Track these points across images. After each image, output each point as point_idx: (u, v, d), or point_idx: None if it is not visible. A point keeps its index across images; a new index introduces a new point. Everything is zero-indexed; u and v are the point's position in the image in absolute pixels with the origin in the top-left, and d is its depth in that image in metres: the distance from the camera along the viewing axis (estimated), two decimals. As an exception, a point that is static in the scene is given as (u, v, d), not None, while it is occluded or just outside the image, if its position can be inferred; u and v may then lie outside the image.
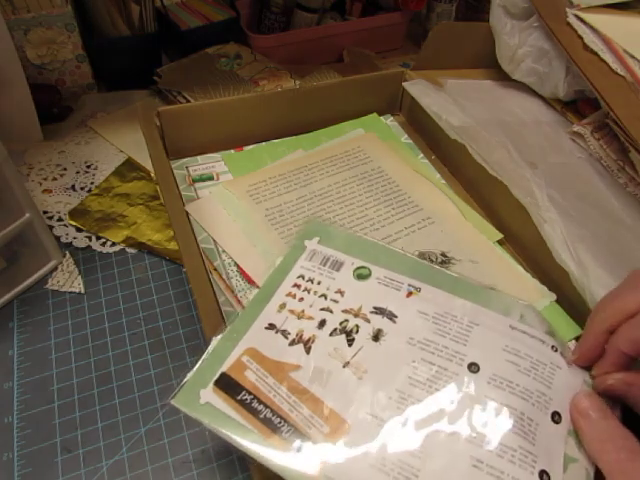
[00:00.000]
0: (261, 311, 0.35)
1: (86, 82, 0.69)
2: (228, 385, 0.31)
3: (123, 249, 0.52)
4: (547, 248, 0.41)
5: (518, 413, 0.29)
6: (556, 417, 0.29)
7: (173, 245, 0.51)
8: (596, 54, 0.53)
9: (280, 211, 0.47)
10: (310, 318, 0.34)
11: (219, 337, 0.33)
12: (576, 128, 0.55)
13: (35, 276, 0.48)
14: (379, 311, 0.34)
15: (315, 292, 0.35)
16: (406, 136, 0.57)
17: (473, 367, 0.31)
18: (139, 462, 0.38)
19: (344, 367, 0.31)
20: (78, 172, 0.59)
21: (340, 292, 0.35)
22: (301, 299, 0.35)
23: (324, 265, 0.37)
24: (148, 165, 0.59)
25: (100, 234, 0.53)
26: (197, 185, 0.50)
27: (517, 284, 0.43)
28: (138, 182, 0.58)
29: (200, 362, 0.32)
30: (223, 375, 0.31)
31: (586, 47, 0.54)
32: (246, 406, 0.30)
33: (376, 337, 0.33)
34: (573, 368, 0.31)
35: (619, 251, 0.43)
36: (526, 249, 0.46)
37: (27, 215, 0.45)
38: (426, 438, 0.28)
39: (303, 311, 0.34)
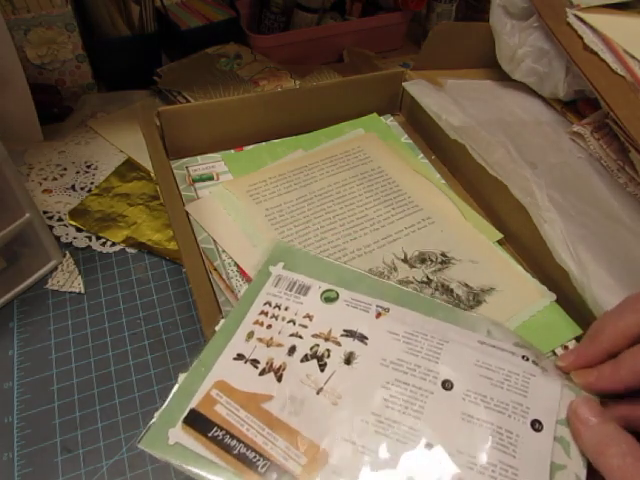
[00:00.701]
0: (228, 342, 0.33)
1: (86, 82, 0.69)
2: (198, 422, 0.29)
3: (123, 249, 0.52)
4: (547, 248, 0.41)
5: (495, 427, 0.28)
6: (537, 425, 0.29)
7: (173, 245, 0.51)
8: (596, 54, 0.53)
9: (280, 211, 0.47)
10: (279, 345, 0.33)
11: (186, 373, 0.32)
12: (576, 128, 0.55)
13: (35, 276, 0.48)
14: (349, 334, 0.33)
15: (283, 318, 0.34)
16: (406, 136, 0.57)
17: (447, 384, 0.30)
18: (139, 462, 0.38)
19: (318, 393, 0.30)
20: (78, 172, 0.59)
21: (309, 316, 0.34)
22: (269, 326, 0.34)
23: (290, 290, 0.36)
24: (148, 165, 0.59)
25: (100, 234, 0.53)
26: (197, 185, 0.50)
27: (517, 284, 0.43)
28: (138, 182, 0.58)
29: (168, 400, 0.30)
30: (192, 411, 0.30)
31: (586, 47, 0.54)
32: (218, 443, 0.28)
33: (348, 360, 0.32)
34: (548, 374, 0.31)
35: (619, 251, 0.43)
36: (526, 249, 0.46)
37: (27, 215, 0.45)
38: (406, 461, 0.28)
39: (272, 338, 0.33)
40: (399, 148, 0.55)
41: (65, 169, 0.60)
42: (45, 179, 0.58)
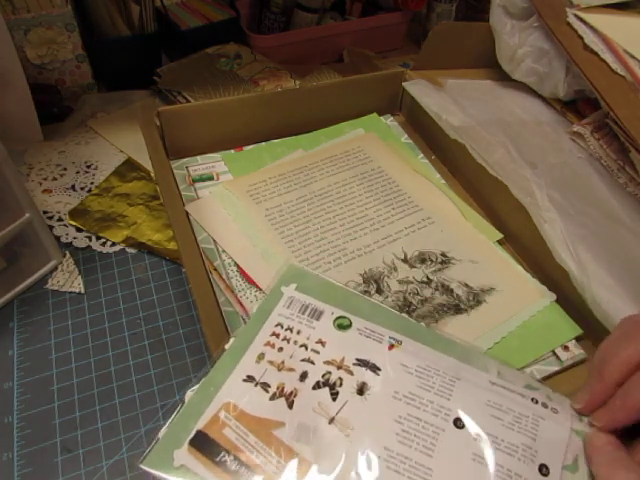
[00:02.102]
0: (238, 362, 0.32)
1: (86, 82, 0.69)
2: (205, 445, 0.28)
3: (123, 249, 0.52)
4: (547, 248, 0.41)
5: (505, 470, 0.28)
6: (544, 470, 0.29)
7: (173, 245, 0.51)
8: (596, 54, 0.53)
9: (280, 211, 0.47)
10: (291, 370, 0.32)
11: (193, 389, 0.31)
12: (576, 128, 0.55)
13: (35, 276, 0.48)
14: (362, 363, 0.33)
15: (295, 342, 0.33)
16: (406, 136, 0.57)
17: (459, 422, 0.30)
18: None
19: (330, 423, 0.30)
20: (78, 172, 0.59)
21: (321, 342, 0.34)
22: (280, 349, 0.33)
23: (303, 313, 0.35)
24: (148, 165, 0.59)
25: (100, 234, 0.53)
26: (197, 185, 0.50)
27: (517, 284, 0.43)
28: (138, 182, 0.58)
29: (172, 418, 0.29)
30: (199, 433, 0.29)
31: (586, 47, 0.54)
32: (225, 468, 0.27)
33: (361, 391, 0.31)
34: (557, 418, 0.31)
35: (619, 251, 0.43)
36: (526, 249, 0.46)
37: (27, 215, 0.45)
38: None
39: (283, 362, 0.32)
40: (399, 148, 0.55)
41: (65, 169, 0.59)
42: (45, 179, 0.58)
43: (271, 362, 0.32)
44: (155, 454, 0.28)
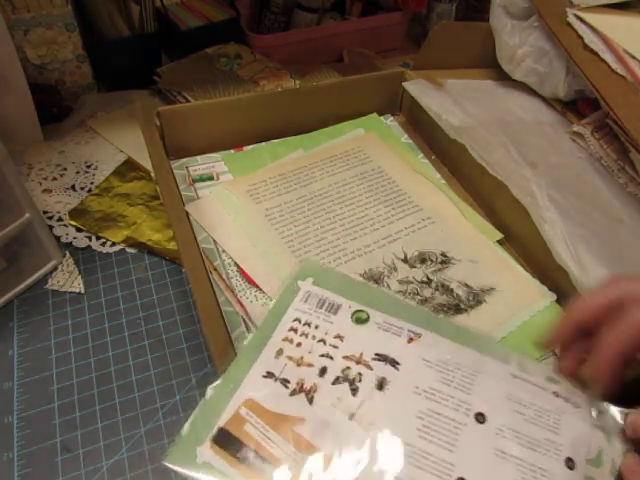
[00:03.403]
0: (257, 358, 0.32)
1: (86, 82, 0.69)
2: (227, 441, 0.28)
3: (123, 249, 0.52)
4: (547, 248, 0.41)
5: (528, 465, 0.28)
6: (570, 463, 0.29)
7: (173, 245, 0.51)
8: (596, 54, 0.53)
9: (280, 211, 0.47)
10: (310, 365, 0.32)
11: (213, 386, 0.31)
12: (576, 128, 0.55)
13: (35, 276, 0.48)
14: (381, 358, 0.33)
15: (313, 337, 0.33)
16: (406, 136, 0.57)
17: (480, 417, 0.30)
18: (139, 462, 0.38)
19: (350, 419, 0.30)
20: (78, 172, 0.59)
21: (339, 337, 0.33)
22: (299, 344, 0.33)
23: (320, 308, 0.35)
24: (148, 165, 0.58)
25: (100, 234, 0.52)
26: (197, 185, 0.50)
27: (517, 284, 0.43)
28: (138, 182, 0.58)
29: (194, 415, 0.29)
30: (221, 430, 0.29)
31: (586, 47, 0.54)
32: (248, 464, 0.28)
33: (380, 386, 0.31)
34: (579, 413, 0.31)
35: (619, 251, 0.43)
36: (526, 249, 0.46)
37: (27, 215, 0.45)
38: None
39: (302, 358, 0.32)
40: (399, 148, 0.55)
41: (65, 169, 0.59)
42: (45, 179, 0.58)
43: (290, 357, 0.33)
44: (178, 451, 0.28)
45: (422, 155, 0.55)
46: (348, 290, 0.36)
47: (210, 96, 0.65)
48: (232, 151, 0.54)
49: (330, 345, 0.33)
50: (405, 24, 0.83)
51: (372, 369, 0.32)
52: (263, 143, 0.55)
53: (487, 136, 0.51)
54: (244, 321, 0.40)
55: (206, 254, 0.44)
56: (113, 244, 0.52)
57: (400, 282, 0.42)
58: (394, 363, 0.32)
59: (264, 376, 0.32)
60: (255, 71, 0.70)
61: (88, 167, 0.60)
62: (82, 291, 0.48)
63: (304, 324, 0.34)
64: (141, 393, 0.41)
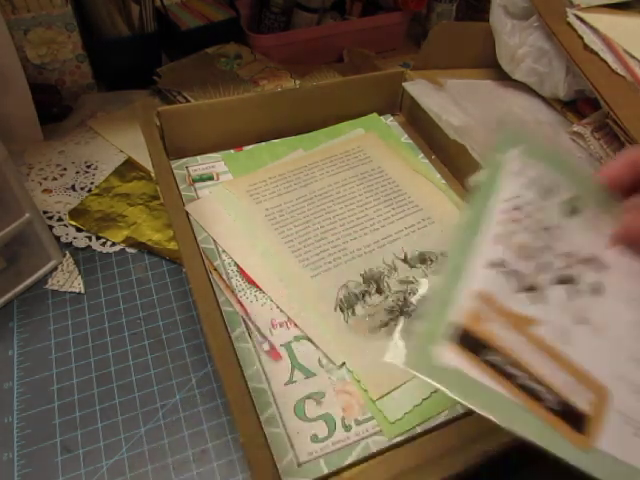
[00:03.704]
0: (474, 242, 0.27)
1: (86, 82, 0.69)
2: (468, 341, 0.24)
3: (123, 249, 0.52)
4: (547, 248, 0.41)
5: None
6: None
7: (173, 245, 0.51)
8: (596, 54, 0.53)
9: (280, 211, 0.47)
10: (531, 257, 0.27)
11: (439, 276, 0.26)
12: (576, 128, 0.55)
13: (35, 276, 0.48)
14: (593, 259, 0.28)
15: (526, 227, 0.28)
16: (406, 136, 0.57)
17: None
18: (139, 462, 0.38)
19: (582, 324, 0.26)
20: (78, 172, 0.59)
21: (549, 228, 0.28)
22: (513, 232, 0.28)
23: (530, 190, 0.29)
24: (148, 165, 0.58)
25: (100, 234, 0.52)
26: (197, 185, 0.50)
27: (517, 284, 0.43)
28: (138, 182, 0.58)
29: (425, 312, 0.25)
30: (459, 328, 0.24)
31: (586, 47, 0.54)
32: (496, 369, 0.23)
33: (598, 290, 0.27)
34: None
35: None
36: (526, 249, 0.46)
37: (27, 215, 0.45)
38: None
39: (524, 247, 0.28)
40: (399, 148, 0.55)
41: (65, 169, 0.59)
42: (45, 179, 0.58)
43: (509, 247, 0.27)
44: (414, 353, 0.24)
45: (422, 155, 0.55)
46: (560, 171, 0.30)
47: (210, 96, 0.65)
48: (232, 151, 0.54)
49: (545, 237, 0.28)
50: (405, 24, 0.83)
51: (588, 271, 0.28)
52: (263, 143, 0.55)
53: (487, 136, 0.51)
54: (244, 321, 0.40)
55: (206, 254, 0.44)
56: (113, 244, 0.52)
57: (400, 282, 0.42)
58: (605, 267, 0.28)
59: (488, 266, 0.27)
60: (255, 71, 0.70)
61: (88, 167, 0.60)
62: (82, 291, 0.48)
63: (515, 209, 0.29)
64: (141, 393, 0.41)
